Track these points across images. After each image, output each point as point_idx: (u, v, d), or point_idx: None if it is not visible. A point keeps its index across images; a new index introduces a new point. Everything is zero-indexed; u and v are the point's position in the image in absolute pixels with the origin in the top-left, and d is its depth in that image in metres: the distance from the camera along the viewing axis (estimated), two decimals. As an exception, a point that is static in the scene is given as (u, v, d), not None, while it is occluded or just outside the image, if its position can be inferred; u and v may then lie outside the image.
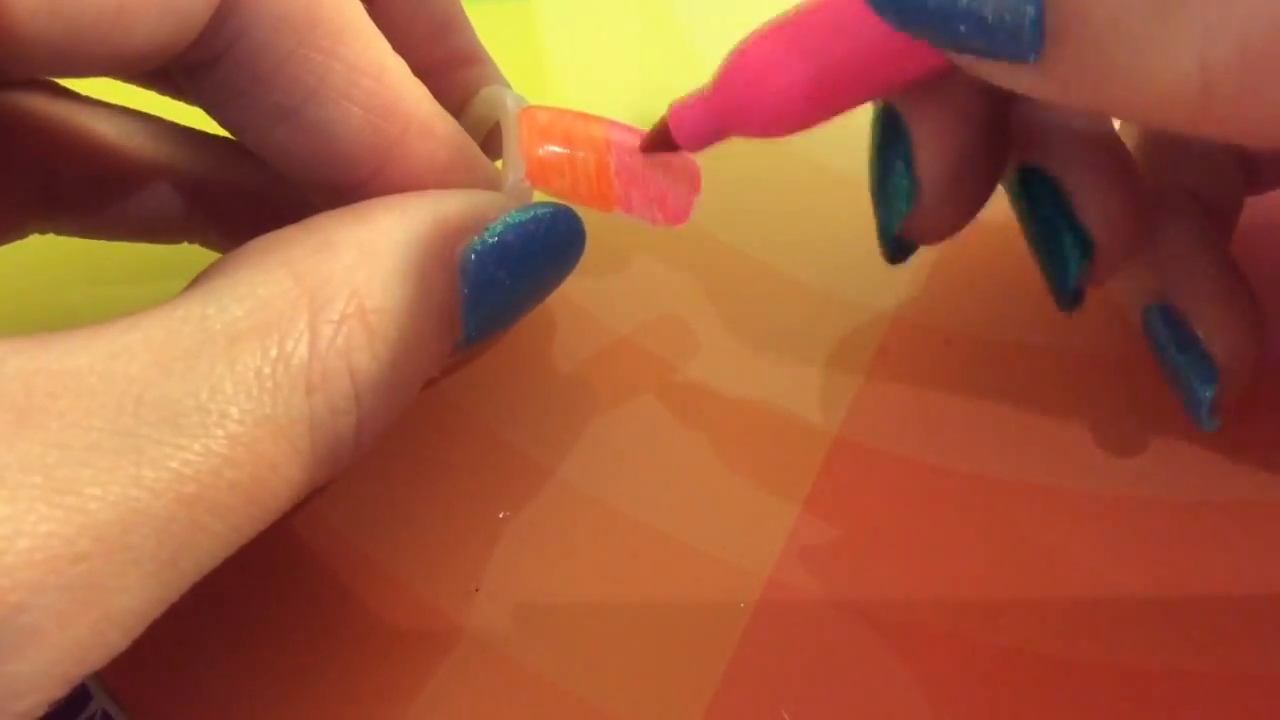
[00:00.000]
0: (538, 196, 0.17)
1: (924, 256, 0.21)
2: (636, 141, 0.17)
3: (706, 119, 0.16)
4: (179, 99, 0.18)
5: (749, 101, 0.15)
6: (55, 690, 0.11)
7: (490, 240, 0.15)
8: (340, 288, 0.14)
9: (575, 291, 0.21)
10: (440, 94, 0.17)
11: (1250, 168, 0.18)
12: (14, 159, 0.17)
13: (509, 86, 0.20)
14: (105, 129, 0.18)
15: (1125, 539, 0.17)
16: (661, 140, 0.16)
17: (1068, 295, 0.16)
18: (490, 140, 0.19)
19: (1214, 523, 0.17)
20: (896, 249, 0.17)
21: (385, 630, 0.17)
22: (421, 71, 0.17)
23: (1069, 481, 0.18)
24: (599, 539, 0.18)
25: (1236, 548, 0.17)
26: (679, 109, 0.16)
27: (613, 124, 0.17)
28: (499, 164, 0.18)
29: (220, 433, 0.12)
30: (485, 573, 0.17)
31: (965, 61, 0.13)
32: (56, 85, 0.18)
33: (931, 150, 0.16)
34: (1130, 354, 0.19)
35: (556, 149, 0.17)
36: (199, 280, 0.14)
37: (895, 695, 0.16)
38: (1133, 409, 0.19)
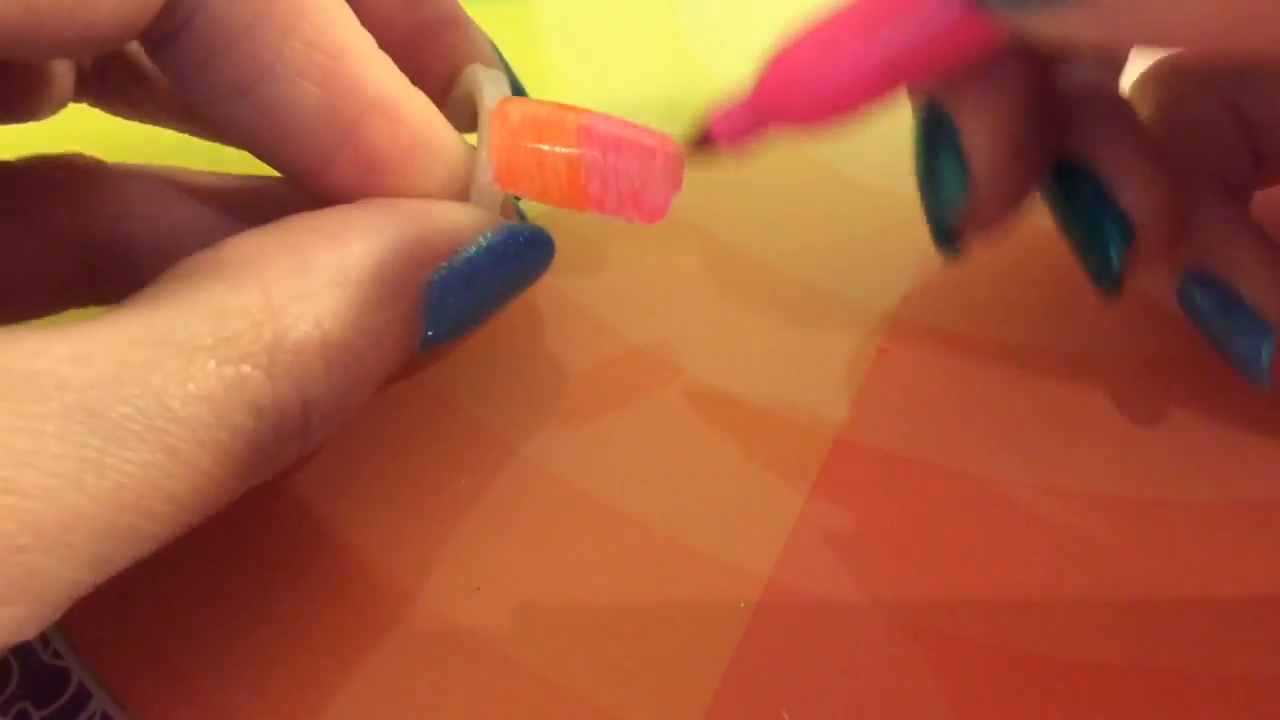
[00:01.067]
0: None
1: (921, 256, 0.21)
2: (615, 136, 0.17)
3: (751, 112, 0.15)
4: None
5: (804, 87, 0.15)
6: None
7: (456, 268, 0.16)
8: (306, 314, 0.14)
9: (575, 291, 0.21)
10: (424, 60, 0.17)
11: (1257, 161, 0.18)
12: (50, 232, 0.17)
13: (495, 49, 0.19)
14: (138, 192, 0.18)
15: (1125, 539, 0.17)
16: (701, 141, 0.16)
17: (1111, 281, 0.17)
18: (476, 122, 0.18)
19: (1214, 523, 0.17)
20: (949, 241, 0.17)
21: (385, 630, 0.17)
22: (402, 37, 0.16)
23: (1069, 481, 0.18)
24: (599, 539, 0.18)
25: (1237, 548, 0.17)
26: (720, 107, 0.16)
27: (593, 119, 0.17)
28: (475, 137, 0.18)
29: (163, 449, 0.12)
30: (485, 573, 0.17)
31: (1007, 19, 0.13)
32: (86, 157, 0.18)
33: (981, 139, 0.16)
34: (1130, 353, 0.19)
35: (527, 153, 0.16)
36: (173, 280, 0.14)
37: (895, 695, 0.16)
38: (1133, 409, 0.19)
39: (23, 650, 0.17)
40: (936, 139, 0.16)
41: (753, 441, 0.19)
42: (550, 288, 0.21)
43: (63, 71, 0.18)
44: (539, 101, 0.17)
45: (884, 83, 0.14)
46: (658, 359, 0.20)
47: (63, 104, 0.18)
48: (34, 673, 0.17)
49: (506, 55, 0.20)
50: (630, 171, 0.17)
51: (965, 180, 0.16)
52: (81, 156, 0.18)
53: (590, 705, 0.16)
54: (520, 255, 0.17)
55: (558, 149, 0.16)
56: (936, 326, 0.20)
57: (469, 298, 0.16)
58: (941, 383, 0.19)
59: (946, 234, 0.17)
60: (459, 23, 0.19)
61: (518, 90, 0.20)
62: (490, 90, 0.17)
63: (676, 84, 0.25)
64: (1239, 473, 0.18)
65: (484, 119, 0.17)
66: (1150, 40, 0.13)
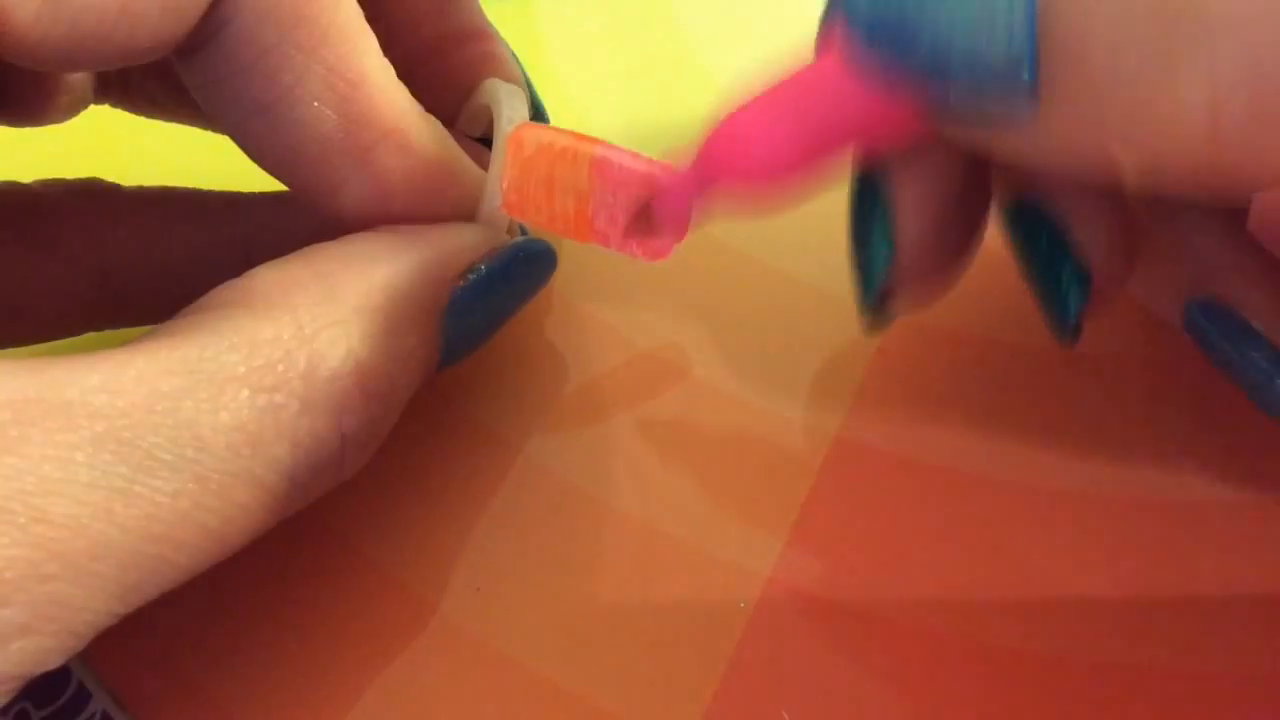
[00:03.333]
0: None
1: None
2: (628, 172, 0.16)
3: (694, 180, 0.15)
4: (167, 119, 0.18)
5: (741, 158, 0.15)
6: (7, 688, 0.12)
7: (470, 287, 0.16)
8: (339, 342, 0.14)
9: (575, 292, 0.21)
10: (448, 70, 0.17)
11: None
12: (69, 256, 0.17)
13: (518, 62, 0.19)
14: (154, 216, 0.18)
15: (1126, 539, 0.17)
16: (646, 222, 0.16)
17: (1069, 333, 0.16)
18: (492, 128, 0.18)
19: (1214, 523, 0.17)
20: (876, 307, 0.17)
21: (385, 630, 0.17)
22: (427, 47, 0.16)
23: (1069, 482, 0.18)
24: (599, 539, 0.18)
25: (1236, 548, 0.17)
26: (663, 182, 0.16)
27: (607, 152, 0.16)
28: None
29: (194, 479, 0.12)
30: (486, 573, 0.17)
31: (956, 128, 0.13)
32: (104, 181, 0.18)
33: (910, 211, 0.15)
34: (1130, 354, 0.19)
35: (537, 183, 0.16)
36: (203, 311, 0.14)
37: (895, 695, 0.16)
38: (1133, 409, 0.19)
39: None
40: (866, 206, 0.16)
41: (753, 441, 0.19)
42: (552, 289, 0.21)
43: (83, 75, 0.18)
44: (556, 129, 0.17)
45: (814, 157, 0.14)
46: (657, 359, 0.20)
47: (84, 105, 0.18)
48: (34, 673, 0.17)
49: (506, 56, 0.20)
50: (638, 213, 0.16)
51: (892, 250, 0.15)
52: (99, 181, 0.18)
53: (590, 705, 0.16)
54: (527, 270, 0.17)
55: (569, 181, 0.16)
56: (936, 326, 0.20)
57: (482, 314, 0.17)
58: (941, 383, 0.19)
59: (873, 300, 0.16)
60: (484, 35, 0.19)
61: (535, 105, 0.20)
62: (508, 111, 0.18)
63: (676, 85, 0.25)
64: (1240, 473, 0.18)
65: (498, 142, 0.17)
66: (1118, 164, 0.12)
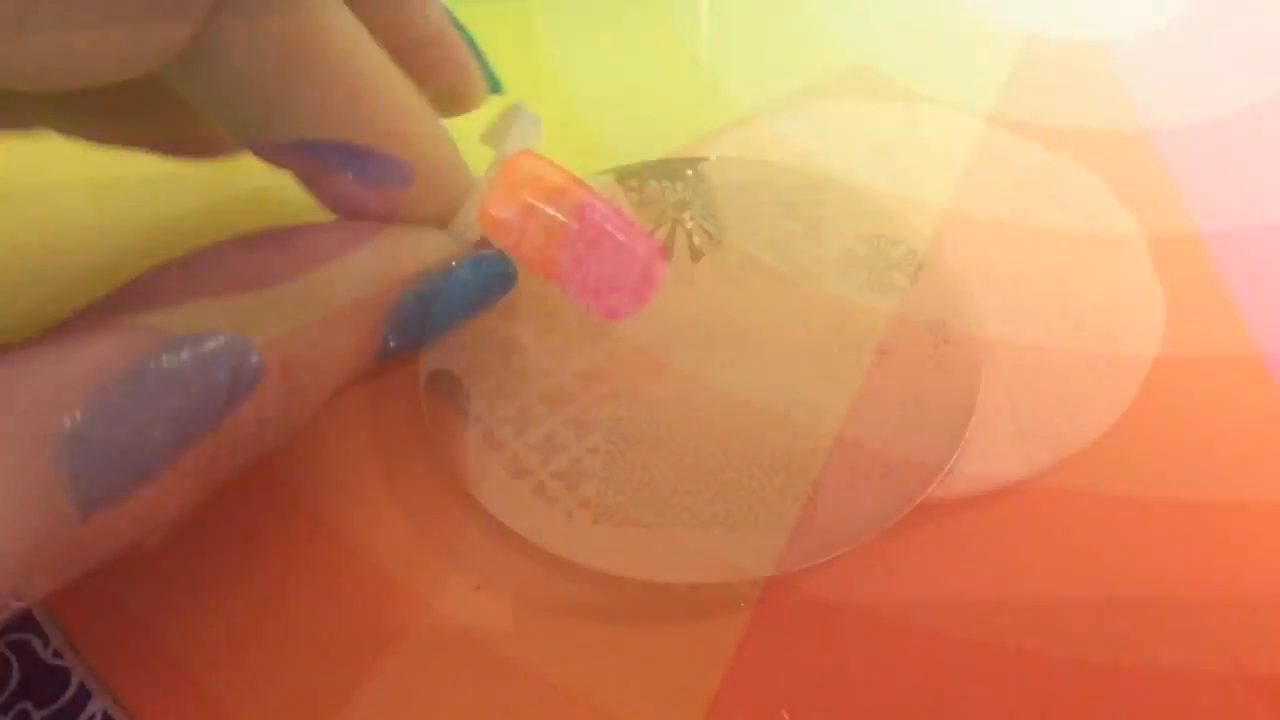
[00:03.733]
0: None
1: (922, 258, 0.21)
2: (607, 231, 0.16)
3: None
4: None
5: None
6: None
7: (420, 292, 0.16)
8: (270, 336, 0.14)
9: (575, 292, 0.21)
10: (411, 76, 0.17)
11: None
12: None
13: (485, 62, 0.19)
14: None
15: (1126, 538, 0.17)
16: None
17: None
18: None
19: (1216, 523, 0.17)
20: None
21: (385, 630, 0.17)
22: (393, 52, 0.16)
23: (1070, 481, 0.18)
24: (599, 539, 0.18)
25: (1239, 548, 0.17)
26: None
27: (594, 204, 0.16)
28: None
29: (132, 477, 0.12)
30: (485, 573, 0.17)
31: None
32: None
33: None
34: (1132, 353, 0.19)
35: (517, 208, 0.17)
36: (140, 294, 0.14)
37: (895, 695, 0.16)
38: (1133, 408, 0.19)
39: (23, 650, 0.17)
40: None
41: (753, 441, 0.19)
42: (552, 289, 0.21)
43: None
44: (555, 167, 0.17)
45: None
46: (656, 359, 0.20)
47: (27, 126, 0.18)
48: (34, 673, 0.17)
49: (505, 56, 0.20)
50: (603, 270, 0.17)
51: None
52: None
53: (590, 705, 0.16)
54: (483, 284, 0.18)
55: (546, 217, 0.16)
56: (935, 326, 0.20)
57: (432, 318, 0.17)
58: (941, 383, 0.19)
59: None
60: (441, 40, 0.19)
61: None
62: (515, 137, 0.18)
63: (673, 86, 0.25)
64: (1242, 473, 0.18)
65: (496, 159, 0.17)
66: None
